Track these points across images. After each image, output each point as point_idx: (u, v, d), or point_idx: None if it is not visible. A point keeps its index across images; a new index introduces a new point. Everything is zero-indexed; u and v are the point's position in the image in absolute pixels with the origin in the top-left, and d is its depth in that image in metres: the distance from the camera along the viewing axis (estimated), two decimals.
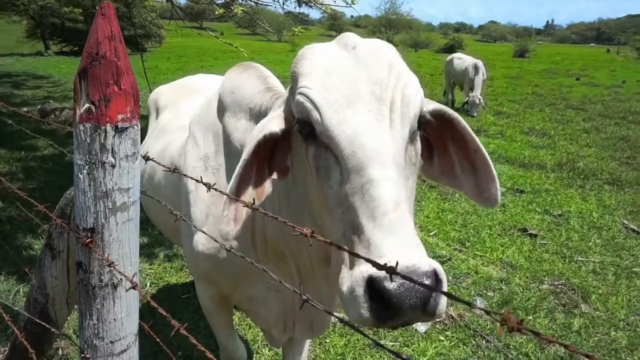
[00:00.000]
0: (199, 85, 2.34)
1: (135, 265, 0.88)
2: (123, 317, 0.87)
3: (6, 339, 2.46)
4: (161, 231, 2.21)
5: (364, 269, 0.75)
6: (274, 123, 1.02)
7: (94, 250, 0.80)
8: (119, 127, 0.78)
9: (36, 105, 9.29)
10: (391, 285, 0.70)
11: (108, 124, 0.77)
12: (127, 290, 0.85)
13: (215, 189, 0.85)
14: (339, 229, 0.84)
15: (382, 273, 0.69)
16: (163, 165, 0.99)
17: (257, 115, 1.25)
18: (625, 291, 3.43)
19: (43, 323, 1.11)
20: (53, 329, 1.21)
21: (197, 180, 0.87)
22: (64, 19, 23.00)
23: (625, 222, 4.66)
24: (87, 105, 0.76)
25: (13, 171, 5.18)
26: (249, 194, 1.02)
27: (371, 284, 0.73)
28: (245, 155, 0.98)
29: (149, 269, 3.47)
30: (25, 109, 9.05)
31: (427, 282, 0.70)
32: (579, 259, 3.92)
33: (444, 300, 0.75)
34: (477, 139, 1.14)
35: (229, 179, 1.33)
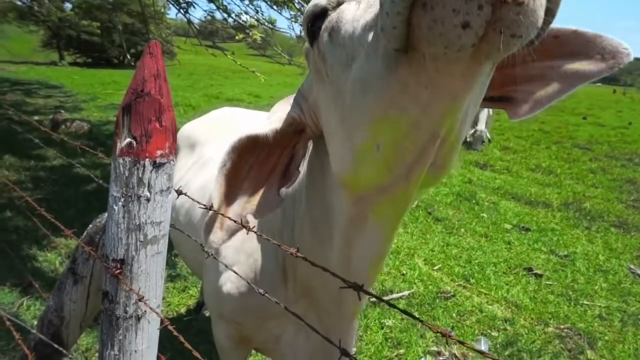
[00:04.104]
0: (238, 119, 2.36)
1: (159, 298, 0.89)
2: (144, 349, 0.87)
3: (8, 353, 2.43)
4: (185, 263, 2.17)
5: None
6: (259, 127, 0.94)
7: (122, 282, 0.81)
8: (157, 162, 0.79)
9: (47, 114, 9.41)
10: None
11: (147, 159, 0.78)
12: (149, 323, 0.85)
13: (251, 229, 0.85)
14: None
15: None
16: (198, 202, 0.99)
17: None
18: (632, 339, 3.37)
19: (56, 345, 1.11)
20: (64, 351, 1.20)
21: (235, 222, 0.87)
22: (81, 31, 23.51)
23: (632, 267, 4.62)
24: (128, 139, 0.77)
25: (22, 180, 5.21)
26: (242, 206, 0.94)
27: None
28: (220, 162, 0.91)
29: None
30: (36, 117, 9.17)
31: None
32: (585, 302, 3.87)
33: None
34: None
35: None
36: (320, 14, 0.82)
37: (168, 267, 3.75)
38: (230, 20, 4.58)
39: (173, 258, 3.77)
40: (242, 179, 0.95)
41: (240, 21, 4.43)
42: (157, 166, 0.79)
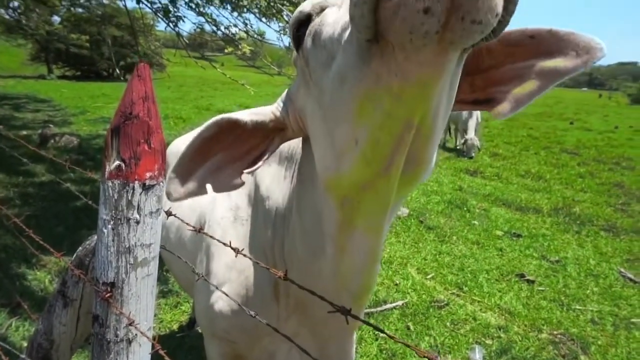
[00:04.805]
0: None
1: (151, 320, 0.88)
2: None
3: None
4: (176, 280, 2.15)
5: None
6: (242, 114, 0.99)
7: (112, 305, 0.80)
8: (147, 184, 0.79)
9: (36, 128, 9.34)
10: None
11: (136, 181, 0.78)
12: (140, 346, 0.84)
13: (244, 255, 0.85)
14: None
15: None
16: (187, 223, 0.99)
17: (287, 158, 1.24)
18: (625, 343, 3.39)
19: None
20: None
21: (224, 244, 0.87)
22: (70, 45, 23.42)
23: (622, 270, 4.66)
24: (117, 162, 0.77)
25: (10, 197, 5.15)
26: (204, 175, 0.98)
27: None
28: (201, 129, 0.95)
29: None
30: (24, 132, 9.09)
31: None
32: (577, 307, 3.89)
33: None
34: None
35: (254, 229, 1.32)
36: (305, 20, 0.85)
37: (160, 283, 3.71)
38: (219, 33, 4.60)
39: (165, 274, 3.73)
40: (213, 153, 0.99)
41: (230, 34, 4.45)
42: (146, 188, 0.79)
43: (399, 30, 0.53)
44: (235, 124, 0.97)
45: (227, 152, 1.00)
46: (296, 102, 0.98)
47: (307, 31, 0.83)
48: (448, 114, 0.78)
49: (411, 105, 0.66)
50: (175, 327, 3.23)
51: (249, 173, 1.00)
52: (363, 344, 3.17)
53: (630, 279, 4.48)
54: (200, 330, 3.15)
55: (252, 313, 0.83)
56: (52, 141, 8.07)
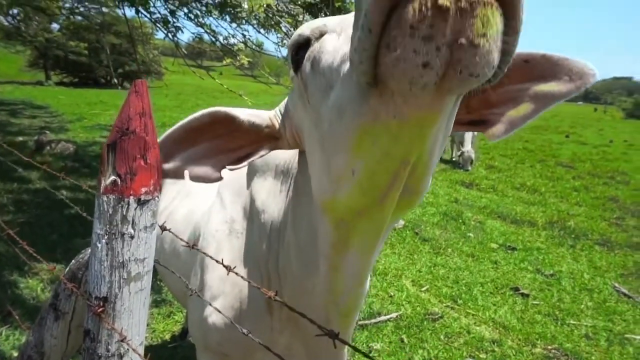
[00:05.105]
0: None
1: (143, 334, 0.88)
2: None
3: None
4: (170, 291, 2.13)
5: None
6: (240, 111, 0.99)
7: (104, 320, 0.80)
8: (142, 199, 0.79)
9: (32, 135, 9.32)
10: None
11: (131, 197, 0.78)
12: None
13: (236, 273, 0.85)
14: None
15: None
16: (181, 239, 0.99)
17: (282, 172, 1.24)
18: (619, 358, 3.39)
19: None
20: None
21: (216, 261, 0.88)
22: (68, 52, 23.46)
23: (617, 285, 4.67)
24: (113, 177, 0.78)
25: (4, 203, 5.12)
26: (186, 159, 0.98)
27: None
28: (195, 114, 0.95)
29: None
30: (20, 138, 9.07)
31: None
32: (571, 322, 3.89)
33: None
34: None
35: (249, 243, 1.32)
36: (304, 44, 0.86)
37: (153, 292, 3.69)
38: (218, 43, 4.62)
39: (158, 283, 3.71)
40: (198, 142, 0.98)
41: (228, 44, 4.48)
42: (141, 203, 0.80)
43: (398, 81, 0.54)
44: (231, 120, 0.97)
45: (212, 144, 0.99)
46: (293, 118, 0.99)
47: (307, 55, 0.84)
48: (444, 148, 0.80)
49: (409, 144, 0.67)
50: (167, 337, 3.20)
51: (231, 170, 1.00)
52: (356, 356, 3.15)
53: (625, 294, 4.48)
54: (192, 341, 3.13)
55: (245, 331, 0.83)
56: (48, 148, 8.05)
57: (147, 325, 3.36)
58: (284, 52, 5.06)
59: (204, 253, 0.90)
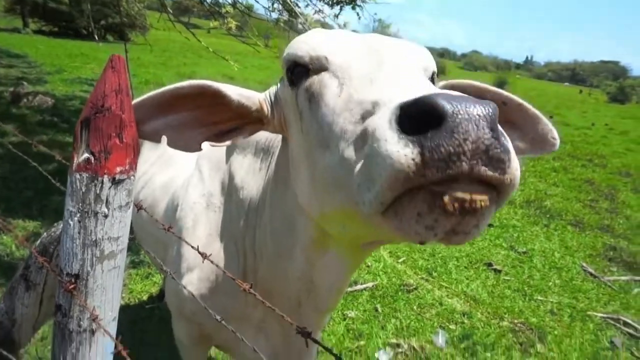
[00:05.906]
0: None
1: (116, 310, 0.88)
2: None
3: None
4: (148, 257, 2.13)
5: (390, 105, 0.61)
6: (230, 87, 0.98)
7: (76, 297, 0.80)
8: (116, 179, 0.78)
9: (8, 85, 8.97)
10: (444, 102, 0.54)
11: (105, 176, 0.77)
12: (104, 336, 0.85)
13: (211, 261, 0.85)
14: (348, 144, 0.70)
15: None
16: (157, 220, 0.98)
17: (263, 150, 1.24)
18: (579, 334, 3.56)
19: (5, 353, 1.08)
20: (19, 351, 1.18)
21: (193, 247, 0.87)
22: None
23: (584, 264, 4.85)
24: (86, 155, 0.76)
25: None
26: (166, 124, 0.97)
27: (406, 110, 0.57)
28: (183, 83, 0.94)
29: None
30: None
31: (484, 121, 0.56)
32: (539, 298, 4.05)
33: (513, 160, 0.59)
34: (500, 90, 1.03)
35: (227, 220, 1.32)
36: (301, 64, 0.86)
37: (131, 253, 3.69)
38: (205, 3, 4.46)
39: (137, 243, 3.71)
40: (180, 110, 0.98)
41: (216, 5, 4.32)
42: (116, 182, 0.78)
43: (402, 232, 0.61)
44: (220, 96, 0.96)
45: (194, 113, 0.98)
46: (284, 108, 0.98)
47: (305, 86, 0.85)
48: None
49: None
50: (145, 297, 3.24)
51: (212, 146, 0.99)
52: (331, 323, 3.24)
53: (591, 274, 4.67)
54: (169, 308, 3.17)
55: (218, 318, 0.85)
56: (25, 100, 7.79)
57: (125, 285, 3.36)
58: (274, 15, 4.92)
59: (180, 237, 0.89)
